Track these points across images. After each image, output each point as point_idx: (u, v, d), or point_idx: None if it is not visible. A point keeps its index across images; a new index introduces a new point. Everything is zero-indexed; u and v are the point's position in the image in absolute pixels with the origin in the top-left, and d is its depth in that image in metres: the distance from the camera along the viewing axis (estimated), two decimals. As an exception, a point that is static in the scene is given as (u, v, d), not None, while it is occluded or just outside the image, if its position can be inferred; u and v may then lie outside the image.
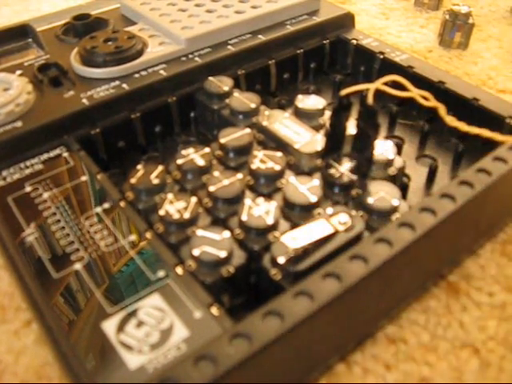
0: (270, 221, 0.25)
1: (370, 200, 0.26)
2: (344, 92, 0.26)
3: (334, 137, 0.29)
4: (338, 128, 0.29)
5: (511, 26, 0.55)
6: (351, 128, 0.30)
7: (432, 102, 0.26)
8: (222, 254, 0.24)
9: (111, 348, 0.21)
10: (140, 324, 0.22)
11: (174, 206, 0.26)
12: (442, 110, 0.25)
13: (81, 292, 0.23)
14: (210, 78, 0.36)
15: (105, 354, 0.21)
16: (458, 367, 0.25)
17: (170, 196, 0.27)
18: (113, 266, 0.24)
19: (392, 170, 0.29)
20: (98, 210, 0.27)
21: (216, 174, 0.28)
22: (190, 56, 0.37)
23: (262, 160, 0.29)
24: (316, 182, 0.27)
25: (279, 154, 0.29)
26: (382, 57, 0.39)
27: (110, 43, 0.37)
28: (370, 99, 0.26)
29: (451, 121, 0.26)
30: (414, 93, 0.26)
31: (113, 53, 0.36)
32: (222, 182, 0.28)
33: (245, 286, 0.25)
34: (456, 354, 0.26)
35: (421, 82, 0.36)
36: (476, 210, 0.28)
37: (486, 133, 0.26)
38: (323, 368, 0.25)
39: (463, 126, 0.26)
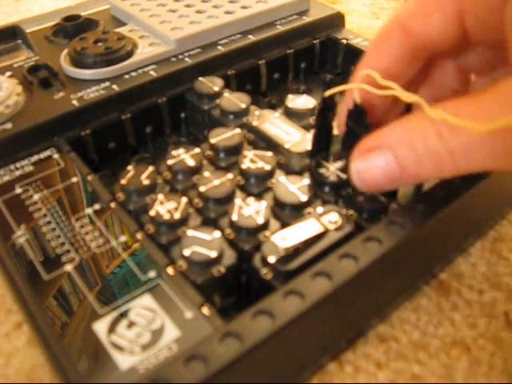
0: (260, 220, 0.25)
1: (360, 199, 0.27)
2: (328, 93, 0.26)
3: (321, 137, 0.29)
4: (324, 128, 0.29)
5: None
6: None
7: (413, 97, 0.25)
8: (213, 254, 0.24)
9: (102, 349, 0.21)
10: (131, 325, 0.22)
11: (165, 207, 0.26)
12: (422, 102, 0.25)
13: (72, 293, 0.23)
14: (200, 79, 0.36)
15: (96, 355, 0.21)
16: (449, 365, 0.26)
17: (160, 196, 0.27)
18: (105, 267, 0.24)
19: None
20: (89, 211, 0.27)
21: (206, 174, 0.28)
22: (180, 57, 0.37)
23: (253, 160, 0.29)
24: (306, 181, 0.27)
25: (269, 153, 0.29)
26: (371, 56, 0.39)
27: (99, 44, 0.37)
28: (357, 98, 0.26)
29: (434, 112, 0.25)
30: (395, 86, 0.25)
31: (103, 54, 0.36)
32: (213, 182, 0.28)
33: (236, 286, 0.25)
34: (447, 351, 0.26)
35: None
36: (466, 208, 0.28)
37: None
38: (315, 367, 0.25)
39: (444, 115, 0.25)
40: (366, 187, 0.23)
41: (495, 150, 0.20)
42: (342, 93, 0.26)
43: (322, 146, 0.29)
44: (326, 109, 0.28)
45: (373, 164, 0.22)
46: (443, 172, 0.21)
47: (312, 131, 0.30)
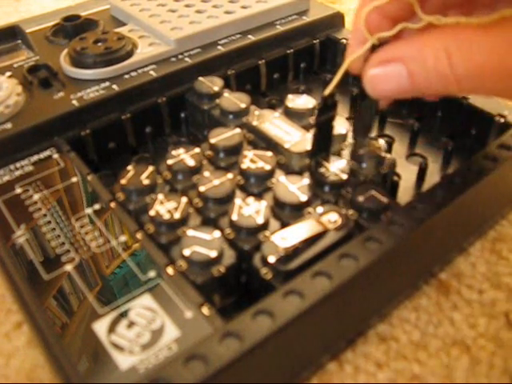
0: (260, 220, 0.25)
1: (360, 199, 0.27)
2: (327, 91, 0.26)
3: (321, 137, 0.29)
4: (325, 128, 0.28)
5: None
6: (339, 127, 0.30)
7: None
8: (213, 254, 0.24)
9: (102, 349, 0.21)
10: (131, 324, 0.22)
11: (165, 207, 0.26)
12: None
13: (72, 293, 0.23)
14: (200, 79, 0.36)
15: (96, 355, 0.21)
16: (449, 364, 0.25)
17: (160, 196, 0.27)
18: (105, 267, 0.24)
19: (383, 169, 0.29)
20: (89, 211, 0.27)
21: (206, 174, 0.28)
22: (180, 56, 0.37)
23: (252, 160, 0.29)
24: (306, 181, 0.27)
25: (269, 153, 0.29)
26: (371, 56, 0.39)
27: (99, 44, 0.37)
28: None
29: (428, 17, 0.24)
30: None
31: (103, 54, 0.36)
32: (213, 182, 0.28)
33: (236, 286, 0.25)
34: (447, 351, 0.26)
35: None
36: (466, 208, 0.28)
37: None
38: (315, 367, 0.25)
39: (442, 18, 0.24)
40: (376, 93, 0.24)
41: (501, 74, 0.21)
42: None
43: (323, 146, 0.29)
44: (327, 108, 0.28)
45: (386, 73, 0.23)
46: (449, 91, 0.23)
47: (312, 131, 0.30)
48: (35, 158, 0.31)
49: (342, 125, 0.31)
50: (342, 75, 0.25)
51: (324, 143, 0.29)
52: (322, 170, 0.28)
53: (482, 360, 0.26)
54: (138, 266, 0.24)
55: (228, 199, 0.27)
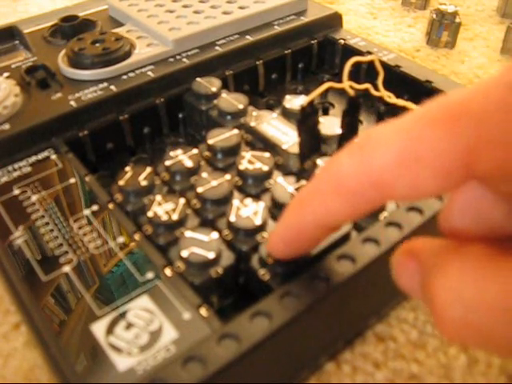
0: (258, 221, 0.25)
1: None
2: (306, 102, 0.25)
3: (307, 143, 0.28)
4: (310, 135, 0.28)
5: (497, 24, 0.56)
6: (335, 127, 0.30)
7: (362, 85, 0.24)
8: (211, 255, 0.24)
9: (100, 350, 0.21)
10: (129, 326, 0.22)
11: (163, 208, 0.26)
12: (370, 88, 0.24)
13: (70, 294, 0.23)
14: (198, 79, 0.36)
15: (94, 356, 0.21)
16: (447, 364, 0.26)
17: (158, 197, 0.27)
18: (103, 268, 0.24)
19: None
20: (87, 212, 0.27)
21: (204, 175, 0.28)
22: (178, 57, 0.37)
23: (250, 161, 0.29)
24: (304, 182, 0.27)
25: (267, 154, 0.29)
26: (369, 56, 0.39)
27: (97, 45, 0.37)
28: (350, 92, 0.25)
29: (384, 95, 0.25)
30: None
31: (100, 54, 0.36)
32: (211, 183, 0.28)
33: (233, 287, 0.25)
34: (444, 350, 0.26)
35: (408, 81, 0.36)
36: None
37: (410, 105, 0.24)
38: (313, 367, 0.25)
39: (391, 99, 0.25)
40: (399, 285, 0.19)
41: None
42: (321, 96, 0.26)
43: (312, 150, 0.29)
44: (307, 116, 0.27)
45: (401, 268, 0.19)
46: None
47: (297, 140, 0.29)
48: (33, 158, 0.31)
49: (338, 125, 0.31)
50: (320, 92, 0.25)
51: (313, 147, 0.29)
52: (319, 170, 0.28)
53: (479, 359, 0.26)
54: (136, 267, 0.24)
55: (226, 200, 0.27)
